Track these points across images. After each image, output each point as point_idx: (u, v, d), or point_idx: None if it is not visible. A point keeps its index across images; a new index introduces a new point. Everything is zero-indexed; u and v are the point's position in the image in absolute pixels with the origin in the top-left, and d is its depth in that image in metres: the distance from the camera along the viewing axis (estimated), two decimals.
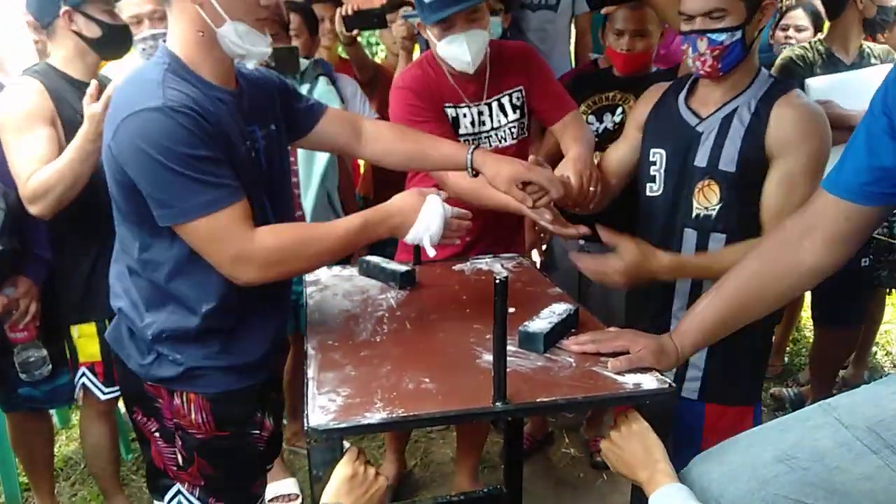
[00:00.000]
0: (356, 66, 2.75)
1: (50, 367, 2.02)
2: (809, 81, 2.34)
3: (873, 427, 1.08)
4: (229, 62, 1.35)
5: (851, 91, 2.26)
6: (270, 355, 1.49)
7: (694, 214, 1.61)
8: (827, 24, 2.60)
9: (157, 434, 1.46)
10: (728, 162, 1.55)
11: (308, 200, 2.25)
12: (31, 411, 2.12)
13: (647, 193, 1.71)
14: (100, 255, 1.95)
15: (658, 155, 1.68)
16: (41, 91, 1.85)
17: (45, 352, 2.01)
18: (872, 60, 2.39)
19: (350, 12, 2.40)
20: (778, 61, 2.47)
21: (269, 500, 2.49)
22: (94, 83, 1.77)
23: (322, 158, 2.27)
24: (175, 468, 1.46)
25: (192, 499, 1.48)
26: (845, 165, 1.16)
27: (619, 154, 1.83)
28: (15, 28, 2.31)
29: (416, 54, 2.88)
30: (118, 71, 2.32)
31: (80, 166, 1.76)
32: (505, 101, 2.01)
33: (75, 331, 2.04)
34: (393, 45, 2.50)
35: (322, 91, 2.29)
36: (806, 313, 3.37)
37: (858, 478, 1.07)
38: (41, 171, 1.76)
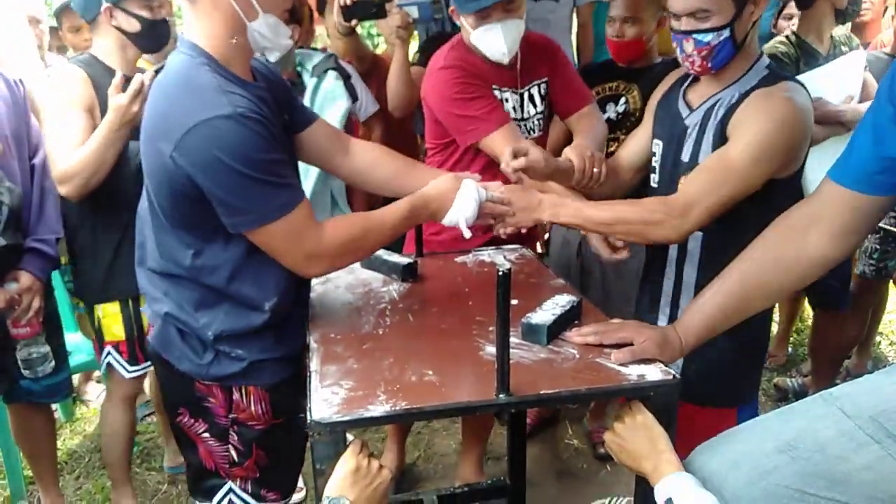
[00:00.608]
0: (354, 57, 2.73)
1: (53, 363, 2.03)
2: (800, 79, 2.32)
3: (876, 417, 1.08)
4: (250, 56, 1.36)
5: (830, 84, 2.26)
6: (301, 345, 1.51)
7: None
8: None
9: (205, 435, 1.47)
10: (706, 157, 1.50)
11: (307, 189, 2.25)
12: (31, 404, 2.14)
13: (651, 185, 1.71)
14: (124, 237, 2.04)
15: (657, 146, 1.67)
16: (84, 79, 1.95)
17: (47, 348, 2.02)
18: (842, 49, 2.41)
19: (348, 2, 2.39)
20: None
21: None
22: (119, 74, 1.86)
23: None
24: (228, 465, 1.48)
25: (243, 495, 1.50)
26: (851, 155, 1.15)
27: (633, 144, 1.80)
28: (15, 25, 2.31)
29: (414, 46, 2.88)
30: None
31: (105, 153, 1.86)
32: (534, 91, 2.01)
33: (100, 310, 2.10)
34: (390, 36, 2.48)
35: (330, 85, 2.29)
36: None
37: (860, 467, 1.07)
38: (71, 155, 1.86)
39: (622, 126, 2.26)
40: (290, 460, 1.58)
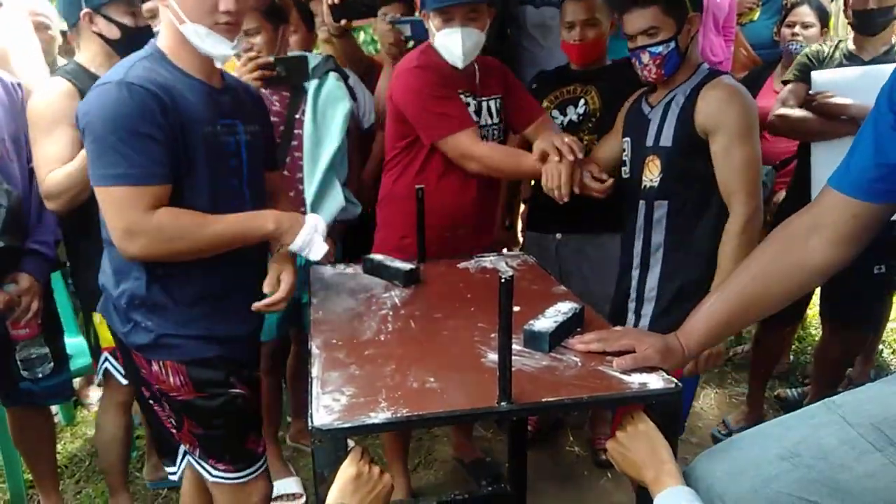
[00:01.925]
0: (348, 59, 2.71)
1: (52, 364, 2.03)
2: (814, 74, 2.33)
3: (878, 425, 1.08)
4: (209, 59, 1.48)
5: (861, 85, 2.24)
6: (244, 333, 1.58)
7: (642, 186, 1.90)
8: (833, 21, 2.58)
9: (152, 401, 1.56)
10: (666, 139, 1.84)
11: (310, 191, 2.25)
12: (31, 406, 2.13)
13: (622, 177, 1.98)
14: None
15: (627, 143, 1.97)
16: (71, 92, 1.90)
17: (46, 349, 2.02)
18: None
19: (338, 1, 2.39)
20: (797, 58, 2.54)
21: (272, 500, 2.50)
22: None
23: (328, 152, 2.23)
24: (174, 430, 1.56)
25: (193, 459, 1.58)
26: (852, 162, 1.15)
27: (605, 148, 2.08)
28: (19, 29, 2.31)
29: None
30: None
31: None
32: (491, 104, 2.16)
33: (97, 318, 2.07)
34: (383, 47, 2.49)
35: (331, 87, 2.27)
36: (811, 311, 3.35)
37: (862, 475, 1.07)
38: (56, 172, 1.83)
39: (583, 126, 2.34)
40: (228, 430, 1.55)
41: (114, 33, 1.93)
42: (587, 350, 1.31)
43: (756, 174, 1.76)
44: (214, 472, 1.57)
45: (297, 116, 2.20)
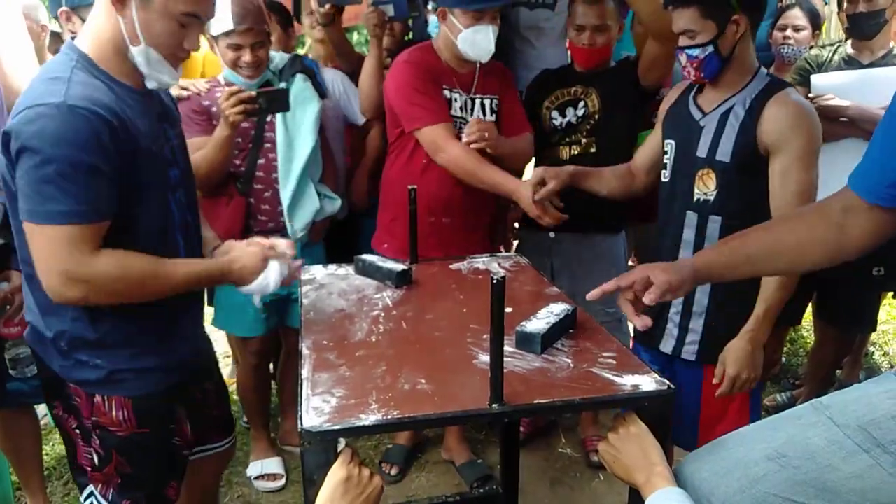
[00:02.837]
0: (337, 50, 2.72)
1: None
2: (813, 78, 2.35)
3: (865, 426, 1.09)
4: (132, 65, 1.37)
5: (860, 88, 2.26)
6: (189, 355, 1.53)
7: (695, 199, 1.78)
8: (826, 25, 2.60)
9: (77, 430, 1.46)
10: (724, 153, 1.72)
11: (286, 194, 2.25)
12: (17, 407, 2.11)
13: (662, 180, 1.89)
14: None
15: (670, 145, 1.87)
16: None
17: None
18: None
19: None
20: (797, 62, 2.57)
21: (254, 479, 2.54)
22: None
23: (302, 155, 2.26)
24: (90, 469, 1.46)
25: (102, 501, 1.47)
26: (865, 165, 1.14)
27: (647, 149, 2.02)
28: (12, 27, 2.29)
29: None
30: None
31: None
32: (486, 102, 2.26)
33: None
34: (370, 48, 2.50)
35: (299, 89, 2.29)
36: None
37: (849, 476, 1.08)
38: None
39: (582, 128, 2.35)
40: (158, 473, 1.50)
41: None
42: (604, 291, 1.28)
43: (810, 200, 1.65)
44: None
45: (269, 119, 2.24)
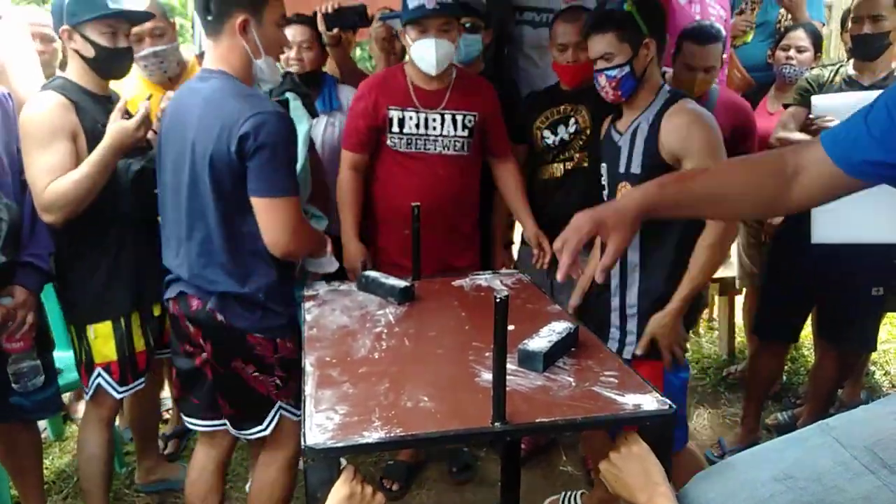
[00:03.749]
0: (340, 69, 2.74)
1: (43, 377, 2.01)
2: (814, 99, 2.35)
3: (871, 447, 1.08)
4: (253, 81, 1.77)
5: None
6: None
7: None
8: (825, 45, 2.61)
9: (255, 374, 1.78)
10: (636, 166, 1.91)
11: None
12: (19, 422, 2.10)
13: (604, 199, 2.06)
14: (119, 255, 2.04)
15: (604, 168, 2.06)
16: (66, 105, 1.91)
17: (38, 362, 2.00)
18: None
19: (330, 10, 2.42)
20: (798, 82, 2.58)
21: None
22: (123, 100, 1.93)
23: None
24: (275, 392, 1.81)
25: (290, 408, 1.84)
26: (848, 133, 1.12)
27: None
28: (18, 40, 2.31)
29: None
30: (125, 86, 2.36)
31: (99, 177, 1.87)
32: (458, 117, 2.31)
33: (91, 331, 2.07)
34: (377, 62, 2.53)
35: (291, 108, 2.25)
36: (803, 331, 3.35)
37: (856, 497, 1.07)
38: (58, 181, 1.85)
39: (574, 144, 2.40)
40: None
41: (89, 52, 1.94)
42: (565, 274, 1.22)
43: None
44: (296, 414, 1.83)
45: None
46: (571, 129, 2.38)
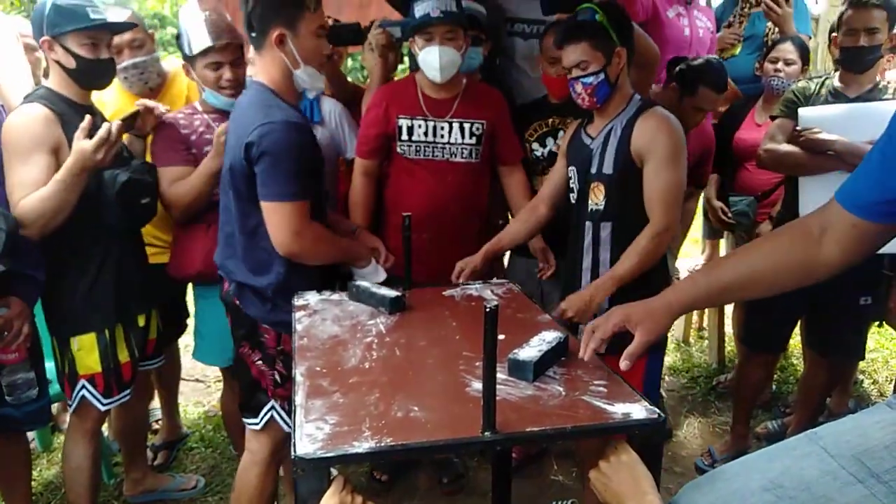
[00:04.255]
0: (332, 83, 2.75)
1: (37, 389, 2.00)
2: (801, 111, 2.38)
3: (859, 456, 1.09)
4: (297, 91, 1.88)
5: (847, 122, 2.29)
6: None
7: (589, 209, 2.07)
8: (812, 57, 2.63)
9: (259, 362, 1.91)
10: (608, 167, 2.01)
11: None
12: (8, 433, 2.08)
13: (570, 202, 2.17)
14: (103, 266, 2.03)
15: (572, 171, 2.13)
16: (50, 118, 1.90)
17: (32, 374, 1.98)
18: (886, 95, 2.39)
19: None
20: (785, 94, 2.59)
21: None
22: (87, 118, 1.87)
23: None
24: (273, 387, 1.91)
25: (282, 412, 1.92)
26: (858, 181, 1.16)
27: (551, 183, 2.24)
28: (9, 50, 2.31)
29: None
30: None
31: (67, 195, 1.85)
32: (466, 125, 2.36)
33: (75, 343, 2.05)
34: (374, 68, 2.55)
35: None
36: (793, 340, 3.38)
37: None
38: (29, 197, 1.83)
39: None
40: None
41: (70, 63, 1.93)
42: (592, 353, 1.35)
43: (676, 195, 1.95)
44: (286, 421, 1.91)
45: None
46: (560, 141, 2.40)
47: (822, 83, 2.51)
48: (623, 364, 1.29)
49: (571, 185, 2.13)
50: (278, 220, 1.76)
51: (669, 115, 1.98)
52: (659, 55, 2.26)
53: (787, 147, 2.39)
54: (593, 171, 2.04)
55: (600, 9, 1.94)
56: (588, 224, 2.07)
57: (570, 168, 2.15)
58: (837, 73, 2.48)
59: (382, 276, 2.06)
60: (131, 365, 2.15)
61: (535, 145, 2.48)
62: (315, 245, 1.84)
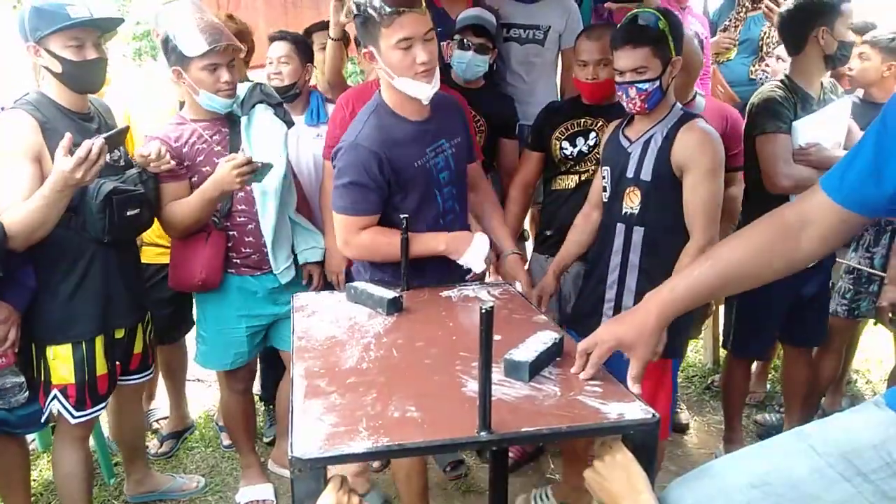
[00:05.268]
0: (330, 85, 2.81)
1: (27, 393, 2.00)
2: (796, 124, 2.35)
3: (846, 454, 1.11)
4: (416, 101, 1.88)
5: (822, 130, 2.32)
6: None
7: (623, 212, 2.10)
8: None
9: None
10: (646, 173, 2.05)
11: (268, 227, 2.27)
12: (5, 435, 2.09)
13: (603, 200, 2.20)
14: (84, 277, 1.99)
15: (606, 171, 2.17)
16: (32, 126, 1.86)
17: (22, 378, 1.98)
18: (830, 96, 2.43)
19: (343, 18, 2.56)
20: (761, 101, 2.39)
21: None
22: (67, 136, 1.76)
23: (274, 181, 2.24)
24: None
25: None
26: (847, 172, 1.16)
27: (595, 188, 2.27)
28: (12, 50, 2.32)
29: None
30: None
31: (49, 211, 1.80)
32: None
33: (50, 352, 2.01)
34: (372, 72, 2.57)
35: (261, 118, 2.29)
36: None
37: None
38: (10, 210, 1.78)
39: (590, 157, 2.42)
40: None
41: (56, 67, 1.88)
42: (588, 377, 1.35)
43: (716, 208, 2.00)
44: None
45: (241, 148, 2.25)
46: (591, 142, 2.40)
47: (786, 85, 2.43)
48: (635, 388, 1.31)
49: (605, 185, 2.17)
50: (335, 226, 1.97)
51: (711, 129, 2.02)
52: (703, 64, 2.30)
53: (804, 171, 2.32)
54: (630, 175, 2.08)
55: (662, 16, 1.97)
56: (620, 226, 2.11)
57: (604, 168, 2.18)
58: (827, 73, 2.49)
59: (481, 265, 1.94)
60: (108, 378, 2.10)
61: (565, 143, 2.45)
62: (367, 253, 1.99)
